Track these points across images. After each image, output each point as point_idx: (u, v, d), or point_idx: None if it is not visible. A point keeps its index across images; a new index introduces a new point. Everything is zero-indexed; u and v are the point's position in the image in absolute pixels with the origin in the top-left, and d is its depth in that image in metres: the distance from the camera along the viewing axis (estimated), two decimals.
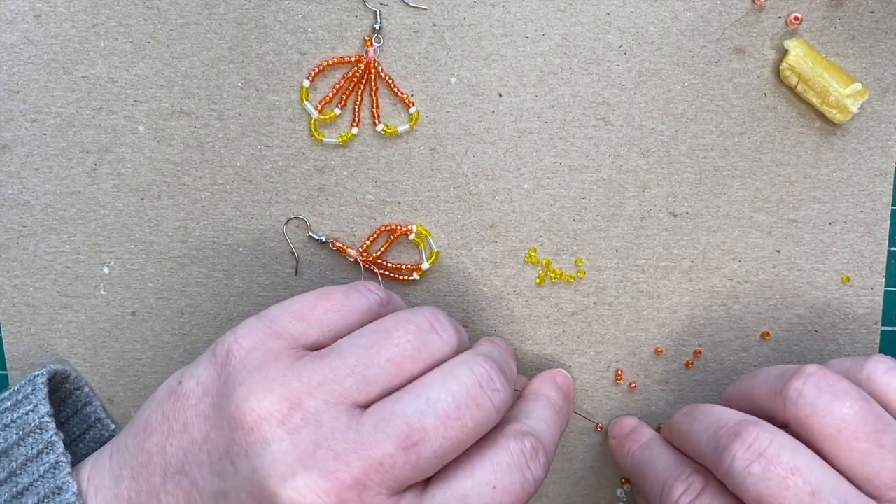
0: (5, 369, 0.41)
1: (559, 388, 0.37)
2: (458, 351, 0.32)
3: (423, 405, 0.29)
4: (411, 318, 0.31)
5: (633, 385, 0.41)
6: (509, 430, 0.31)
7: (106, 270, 0.40)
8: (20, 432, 0.33)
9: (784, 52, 0.37)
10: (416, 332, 0.31)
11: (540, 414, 0.34)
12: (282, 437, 0.28)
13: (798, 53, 0.37)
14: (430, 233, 0.39)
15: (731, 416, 0.32)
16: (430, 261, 0.39)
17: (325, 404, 0.29)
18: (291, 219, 0.39)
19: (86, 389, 0.40)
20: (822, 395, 0.30)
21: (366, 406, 0.29)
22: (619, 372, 0.40)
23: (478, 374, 0.30)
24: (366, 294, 0.33)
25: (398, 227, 0.39)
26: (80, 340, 0.40)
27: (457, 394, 0.29)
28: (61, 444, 0.33)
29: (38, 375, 0.36)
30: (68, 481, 0.31)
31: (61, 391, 0.39)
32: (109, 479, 0.31)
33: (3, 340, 0.40)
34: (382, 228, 0.39)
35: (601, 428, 0.41)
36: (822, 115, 0.38)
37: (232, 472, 0.28)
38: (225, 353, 0.30)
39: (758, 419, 0.31)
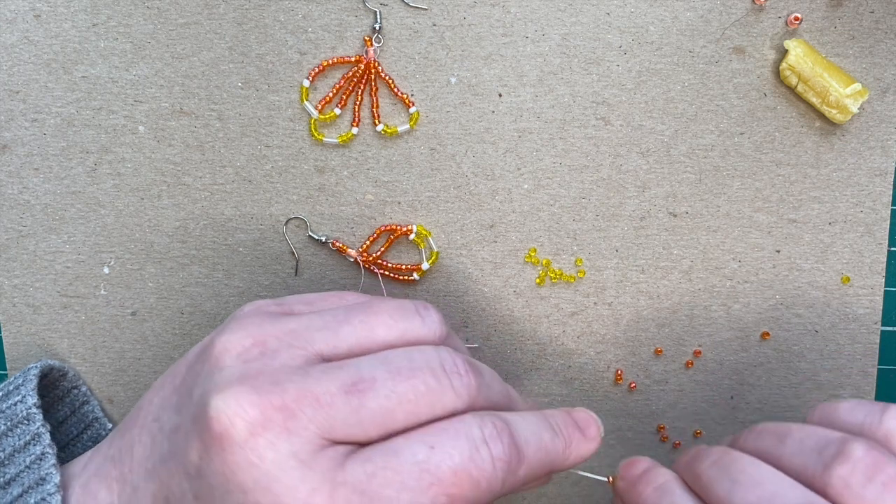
0: (5, 369, 0.41)
1: (570, 415, 0.32)
2: (438, 341, 0.31)
3: (378, 362, 0.28)
4: (400, 301, 0.31)
5: (633, 385, 0.41)
6: (475, 413, 0.29)
7: (106, 270, 0.40)
8: (8, 423, 0.33)
9: (784, 52, 0.38)
10: (399, 309, 0.30)
11: (526, 417, 0.30)
12: (234, 365, 0.28)
13: (798, 53, 0.37)
14: (430, 233, 0.39)
15: (772, 486, 0.28)
16: (430, 261, 0.39)
17: (288, 346, 0.28)
18: (291, 219, 0.39)
19: (83, 388, 0.40)
20: (871, 486, 0.27)
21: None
22: (619, 372, 0.40)
23: (443, 357, 0.29)
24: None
25: (398, 227, 0.39)
26: (80, 340, 0.40)
27: (416, 360, 0.28)
28: (48, 435, 0.33)
29: (31, 368, 0.36)
30: (52, 472, 0.31)
31: (59, 389, 0.39)
32: (98, 463, 0.31)
33: (3, 340, 0.40)
34: (382, 228, 0.39)
35: (613, 481, 0.35)
36: (822, 115, 0.38)
37: (188, 402, 0.28)
38: (232, 315, 0.31)
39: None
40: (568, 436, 0.31)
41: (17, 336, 0.40)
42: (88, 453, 0.33)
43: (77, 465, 0.32)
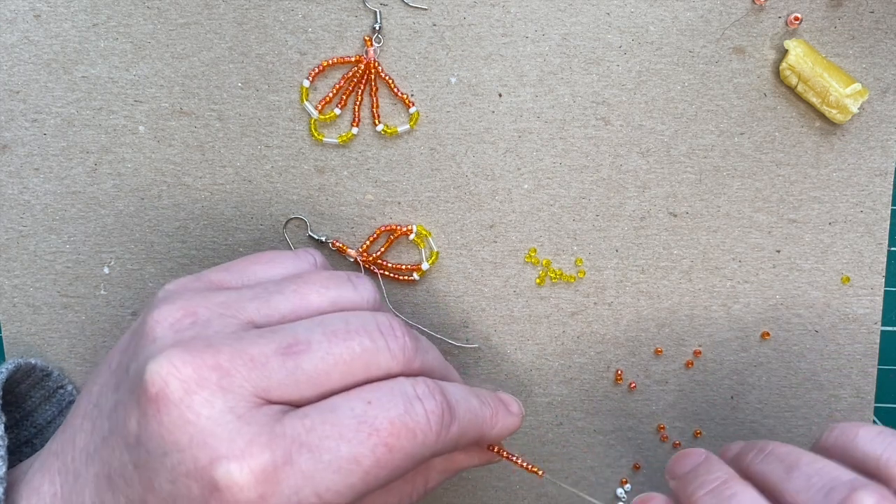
0: None
1: (494, 392, 0.34)
2: (370, 307, 0.31)
3: (315, 325, 0.28)
4: (331, 271, 0.31)
5: (633, 385, 0.41)
6: (401, 378, 0.29)
7: (106, 270, 0.40)
8: None
9: (784, 52, 0.38)
10: (332, 278, 0.30)
11: (455, 385, 0.31)
12: (167, 335, 0.28)
13: (798, 53, 0.37)
14: (430, 233, 0.39)
15: None
16: (430, 261, 0.39)
17: (220, 315, 0.28)
18: (291, 219, 0.39)
19: (69, 387, 0.40)
20: None
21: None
22: (619, 372, 0.40)
23: (380, 320, 0.29)
24: (302, 256, 0.33)
25: (398, 227, 0.39)
26: (81, 340, 0.40)
27: (351, 323, 0.28)
28: (1, 426, 0.32)
29: (3, 364, 0.36)
30: None
31: (44, 389, 0.39)
32: (42, 459, 0.31)
33: (3, 340, 0.40)
34: (382, 228, 0.39)
35: None
36: (822, 115, 0.38)
37: (125, 379, 0.28)
38: (155, 295, 0.31)
39: None
40: (494, 405, 0.33)
41: (17, 336, 0.40)
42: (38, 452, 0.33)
43: (27, 463, 0.32)
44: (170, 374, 0.26)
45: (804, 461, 0.29)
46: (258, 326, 0.29)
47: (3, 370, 0.35)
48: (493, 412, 0.32)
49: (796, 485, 0.28)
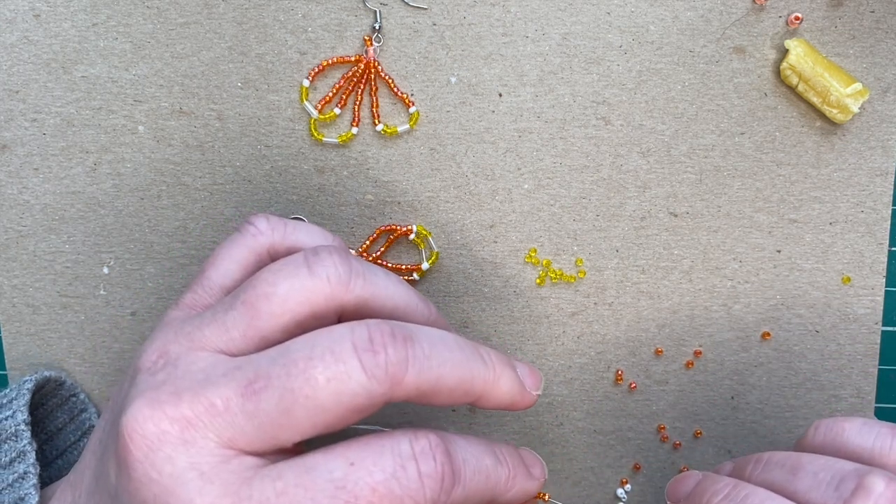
0: (5, 369, 0.41)
1: (517, 450, 0.30)
2: (337, 288, 0.27)
3: (276, 354, 0.25)
4: (283, 260, 0.28)
5: (633, 385, 0.41)
6: (410, 430, 0.26)
7: (106, 270, 0.40)
8: None
9: (784, 52, 0.37)
10: (283, 269, 0.27)
11: (470, 440, 0.28)
12: (143, 380, 0.27)
13: (798, 53, 0.37)
14: (430, 233, 0.39)
15: None
16: (430, 261, 0.39)
17: (188, 351, 0.27)
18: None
19: (81, 396, 0.40)
20: None
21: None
22: (619, 372, 0.40)
23: (356, 334, 0.25)
24: (246, 234, 0.31)
25: (398, 228, 0.39)
26: (80, 340, 0.40)
27: (317, 346, 0.25)
28: (33, 454, 0.32)
29: (26, 381, 0.36)
30: (31, 493, 0.31)
31: (57, 397, 0.39)
32: (61, 487, 0.31)
33: (3, 340, 0.40)
34: (382, 228, 0.39)
35: None
36: (822, 115, 0.38)
37: (113, 422, 0.28)
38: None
39: None
40: (513, 466, 0.29)
41: (16, 336, 0.40)
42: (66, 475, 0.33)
43: (52, 488, 0.32)
44: (133, 430, 0.25)
45: (805, 461, 0.29)
46: (226, 353, 0.27)
47: (26, 390, 0.35)
48: (511, 474, 0.29)
49: (804, 484, 0.28)
